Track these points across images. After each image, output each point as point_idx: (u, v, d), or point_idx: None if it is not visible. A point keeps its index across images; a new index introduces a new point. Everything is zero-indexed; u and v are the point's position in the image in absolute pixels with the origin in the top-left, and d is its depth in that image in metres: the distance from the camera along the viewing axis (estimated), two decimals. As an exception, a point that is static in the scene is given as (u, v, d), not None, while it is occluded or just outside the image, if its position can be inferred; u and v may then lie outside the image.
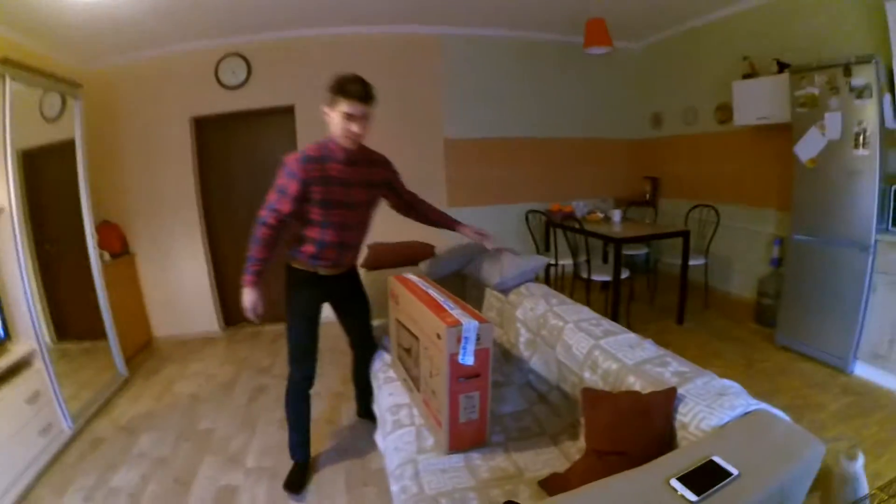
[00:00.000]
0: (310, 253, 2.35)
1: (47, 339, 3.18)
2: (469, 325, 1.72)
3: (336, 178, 2.25)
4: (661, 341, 2.02)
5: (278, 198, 2.19)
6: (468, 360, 1.74)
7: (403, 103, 5.07)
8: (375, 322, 2.93)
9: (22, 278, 3.01)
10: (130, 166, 4.76)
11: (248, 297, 2.33)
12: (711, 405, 1.42)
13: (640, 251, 4.94)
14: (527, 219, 4.96)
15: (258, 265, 2.29)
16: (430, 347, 1.89)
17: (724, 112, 4.68)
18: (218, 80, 4.74)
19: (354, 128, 2.17)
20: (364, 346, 2.82)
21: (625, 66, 5.81)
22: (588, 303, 4.52)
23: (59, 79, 3.49)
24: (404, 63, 5.06)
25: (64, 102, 3.68)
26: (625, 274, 4.04)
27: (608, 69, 5.68)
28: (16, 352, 2.93)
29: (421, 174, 5.11)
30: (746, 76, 4.23)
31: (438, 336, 1.76)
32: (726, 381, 1.56)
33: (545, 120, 5.57)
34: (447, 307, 1.88)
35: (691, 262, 4.25)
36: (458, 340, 1.72)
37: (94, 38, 4.08)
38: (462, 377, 1.76)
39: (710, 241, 4.58)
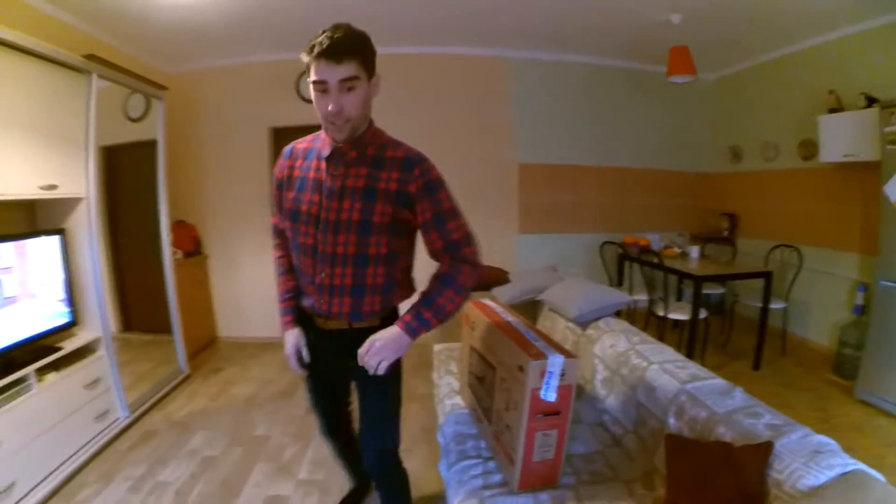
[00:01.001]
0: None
1: (113, 328, 3.24)
2: (555, 359, 1.60)
3: (309, 180, 1.59)
4: None
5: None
6: (550, 396, 1.62)
7: (476, 126, 5.04)
8: (443, 345, 2.83)
9: (93, 267, 3.10)
10: (208, 169, 4.92)
11: (288, 342, 1.76)
12: (808, 463, 1.31)
13: (716, 290, 4.67)
14: (601, 250, 4.78)
15: (285, 301, 1.79)
16: (507, 379, 1.77)
17: (808, 148, 4.41)
18: (298, 93, 4.83)
19: (327, 105, 1.42)
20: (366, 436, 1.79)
21: (701, 97, 5.58)
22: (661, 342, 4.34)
23: (143, 80, 3.61)
24: (476, 85, 5.03)
25: (148, 104, 3.81)
26: (702, 314, 3.81)
27: (684, 99, 5.46)
28: (81, 337, 3.02)
29: (493, 199, 5.10)
30: (832, 111, 3.98)
31: (520, 368, 1.64)
32: (822, 438, 1.42)
33: (619, 148, 5.40)
34: (530, 339, 1.76)
35: (771, 306, 3.97)
36: (542, 375, 1.60)
37: (180, 42, 4.25)
38: (541, 413, 1.64)
39: (791, 284, 4.27)
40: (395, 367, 1.62)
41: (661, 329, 4.12)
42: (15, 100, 2.57)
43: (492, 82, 5.05)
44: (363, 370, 1.47)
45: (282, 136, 4.96)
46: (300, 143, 1.70)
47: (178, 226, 4.60)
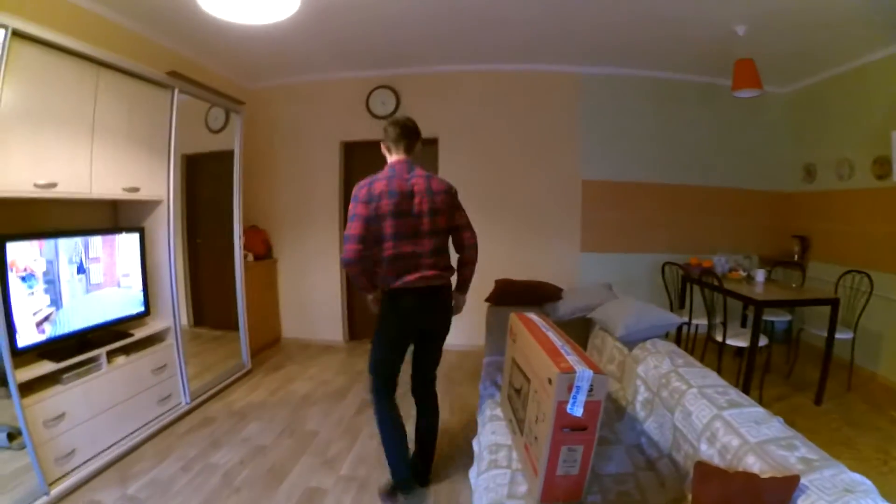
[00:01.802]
0: None
1: (184, 321, 3.51)
2: (583, 373, 1.62)
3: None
4: (791, 422, 1.77)
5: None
6: (577, 410, 1.63)
7: (542, 141, 5.08)
8: (491, 357, 2.90)
9: (170, 263, 3.37)
10: (282, 179, 5.24)
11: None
12: (835, 501, 1.22)
13: (783, 318, 4.44)
14: (662, 271, 4.67)
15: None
16: (539, 391, 1.80)
17: (882, 166, 4.13)
18: (368, 109, 5.07)
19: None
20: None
21: (772, 112, 5.34)
22: (719, 369, 4.13)
23: (223, 95, 3.91)
24: (544, 101, 5.06)
25: (227, 117, 4.10)
26: (763, 341, 3.64)
27: (754, 114, 5.24)
28: (152, 326, 3.31)
29: (555, 215, 5.12)
30: None
31: (549, 381, 1.66)
32: (857, 476, 1.33)
33: (685, 165, 5.26)
34: (563, 352, 1.78)
35: (838, 336, 3.73)
36: (570, 389, 1.61)
37: (259, 60, 4.57)
38: (567, 427, 1.65)
39: (860, 312, 4.01)
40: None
41: (720, 356, 3.97)
42: (104, 110, 2.87)
43: (560, 98, 5.08)
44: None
45: (353, 150, 5.22)
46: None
47: (251, 230, 4.91)
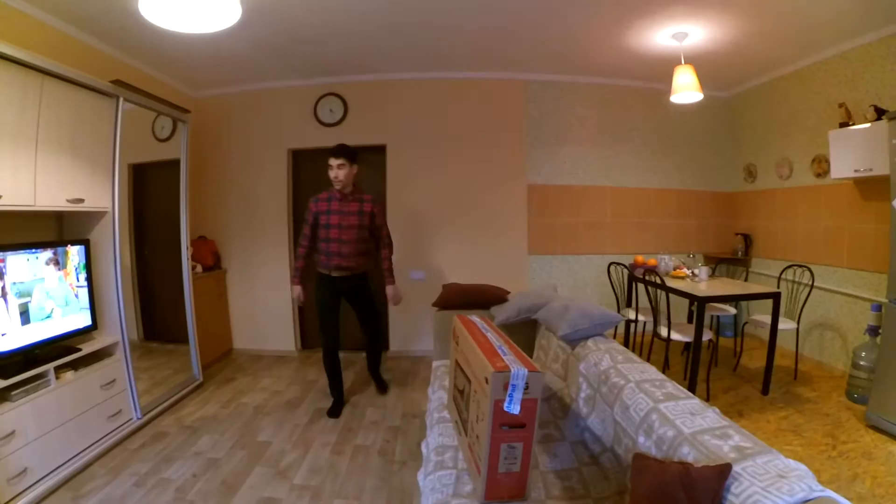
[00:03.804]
0: None
1: (134, 335, 3.44)
2: (518, 371, 1.66)
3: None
4: (739, 412, 1.85)
5: None
6: (514, 408, 1.67)
7: (488, 147, 5.17)
8: (440, 362, 2.99)
9: (115, 275, 3.30)
10: (230, 188, 5.17)
11: (296, 289, 3.71)
12: (768, 488, 1.25)
13: (728, 312, 4.62)
14: (609, 271, 4.79)
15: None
16: (478, 391, 1.84)
17: (820, 164, 4.37)
18: (316, 117, 5.07)
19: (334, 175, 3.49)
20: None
21: (714, 115, 5.58)
22: (666, 365, 4.29)
23: (168, 104, 3.85)
24: (490, 108, 5.16)
25: (174, 125, 4.04)
26: (707, 336, 3.77)
27: (696, 117, 5.47)
28: (100, 341, 3.22)
29: (502, 219, 5.20)
30: (842, 125, 3.93)
31: (486, 380, 1.71)
32: (791, 462, 1.37)
33: (629, 168, 5.43)
34: (500, 352, 1.83)
35: (782, 327, 3.91)
36: (506, 387, 1.66)
37: (205, 68, 4.52)
38: (506, 425, 1.69)
39: (803, 304, 4.21)
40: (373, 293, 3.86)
41: (667, 352, 4.10)
42: (48, 119, 2.81)
43: (507, 105, 5.18)
44: (361, 292, 3.77)
45: (301, 157, 5.18)
46: (321, 196, 3.60)
47: (199, 241, 4.83)
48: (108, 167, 3.27)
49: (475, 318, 2.39)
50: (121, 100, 3.30)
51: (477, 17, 3.72)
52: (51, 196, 2.85)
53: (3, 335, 2.60)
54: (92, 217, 3.28)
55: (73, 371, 2.94)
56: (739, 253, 5.31)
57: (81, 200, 3.07)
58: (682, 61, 4.07)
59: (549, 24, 3.86)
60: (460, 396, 2.19)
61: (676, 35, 3.98)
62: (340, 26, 3.80)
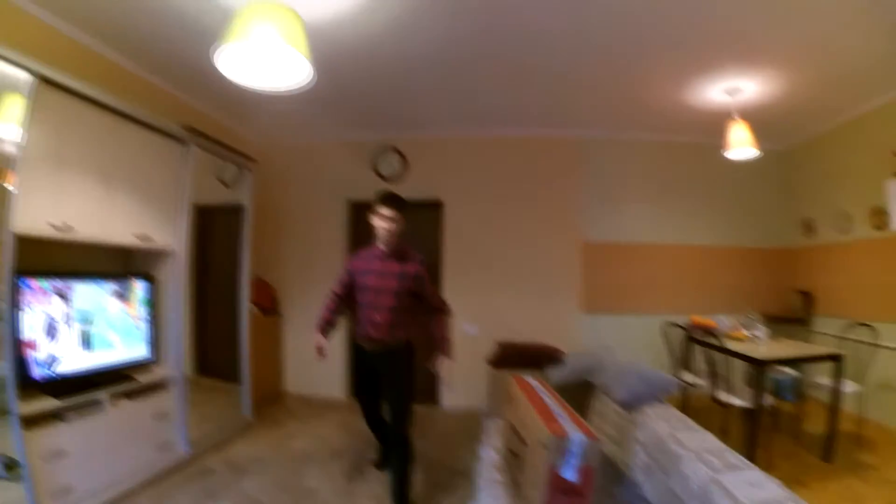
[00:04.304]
0: None
1: (188, 370, 3.55)
2: (575, 437, 1.64)
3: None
4: (800, 481, 1.76)
5: None
6: (571, 474, 1.64)
7: (543, 204, 5.21)
8: (490, 420, 2.97)
9: (176, 313, 3.44)
10: (290, 235, 5.38)
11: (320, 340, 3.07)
12: None
13: (788, 375, 4.40)
14: (665, 332, 4.64)
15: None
16: (534, 455, 1.81)
17: (879, 216, 4.20)
18: (375, 170, 5.26)
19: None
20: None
21: (769, 169, 5.43)
22: (725, 431, 4.09)
23: (235, 152, 4.08)
24: (546, 164, 5.23)
25: (239, 171, 4.24)
26: (768, 400, 3.60)
27: (751, 172, 5.31)
28: (157, 373, 3.34)
29: (557, 276, 5.18)
30: None
31: (543, 445, 1.68)
32: None
33: (685, 225, 5.35)
34: (558, 416, 1.81)
35: (847, 391, 3.70)
36: (563, 453, 1.63)
37: (271, 119, 4.83)
38: (562, 492, 1.66)
39: (867, 365, 3.94)
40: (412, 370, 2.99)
41: (726, 418, 3.91)
42: (122, 158, 3.03)
43: (561, 162, 5.23)
44: (393, 368, 2.94)
45: (359, 209, 5.33)
46: (363, 251, 3.11)
47: (259, 284, 4.99)
48: (175, 207, 3.46)
49: (531, 379, 2.38)
50: (192, 145, 3.50)
51: (534, 78, 3.85)
52: (120, 231, 3.05)
53: (64, 358, 2.75)
54: (158, 254, 3.46)
55: (127, 399, 3.06)
56: (800, 312, 5.10)
57: (149, 238, 3.24)
58: (736, 116, 4.06)
59: (606, 83, 3.96)
60: (514, 459, 2.15)
61: (729, 90, 3.99)
62: (400, 87, 4.02)
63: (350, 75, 3.80)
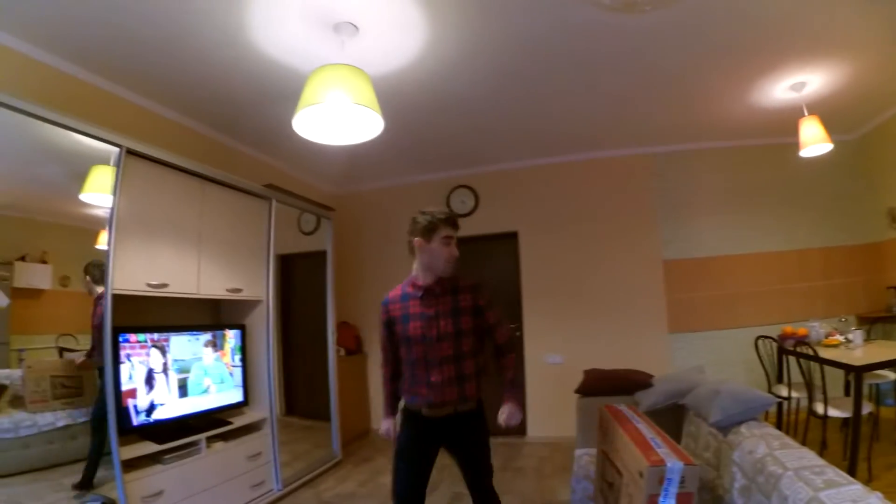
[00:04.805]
0: None
1: (277, 410, 3.73)
2: (673, 465, 1.64)
3: (410, 314, 2.31)
4: None
5: None
6: (669, 503, 1.64)
7: (618, 226, 5.18)
8: (583, 450, 2.92)
9: (267, 357, 3.65)
10: (369, 277, 5.63)
11: (385, 424, 2.45)
12: None
13: (888, 379, 4.14)
14: (756, 345, 4.41)
15: (388, 399, 2.53)
16: (630, 485, 1.81)
17: None
18: (449, 208, 5.44)
19: (453, 252, 2.33)
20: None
21: (844, 161, 5.11)
22: (824, 445, 3.88)
23: (313, 203, 4.34)
24: (616, 185, 5.22)
25: (318, 220, 4.50)
26: (867, 409, 3.41)
27: (826, 167, 4.99)
28: (249, 416, 3.55)
29: (639, 298, 5.10)
30: None
31: (640, 474, 1.69)
32: None
33: (766, 231, 5.13)
34: (653, 444, 1.81)
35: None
36: (661, 481, 1.63)
37: (346, 169, 5.13)
38: (663, 521, 1.66)
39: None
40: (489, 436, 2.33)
41: (824, 430, 3.72)
42: (209, 218, 3.30)
43: (632, 180, 5.21)
44: (469, 439, 2.26)
45: None
46: (393, 293, 2.40)
47: (342, 326, 5.24)
48: (261, 259, 3.71)
49: (623, 407, 2.38)
50: (273, 201, 3.76)
51: (597, 98, 3.91)
52: (211, 285, 3.30)
53: (162, 405, 2.99)
54: (248, 304, 3.70)
55: (223, 441, 3.26)
56: (894, 308, 4.80)
57: (240, 290, 3.47)
58: (805, 112, 3.94)
59: (669, 95, 3.96)
60: (609, 489, 2.15)
61: (795, 86, 3.89)
62: (468, 126, 4.22)
63: (416, 119, 4.00)
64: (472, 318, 2.25)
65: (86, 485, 2.67)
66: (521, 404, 2.30)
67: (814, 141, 3.84)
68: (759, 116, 4.45)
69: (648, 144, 5.06)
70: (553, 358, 5.09)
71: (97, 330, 2.71)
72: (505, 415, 2.24)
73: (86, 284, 2.86)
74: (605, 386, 3.35)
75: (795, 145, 4.05)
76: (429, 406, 2.19)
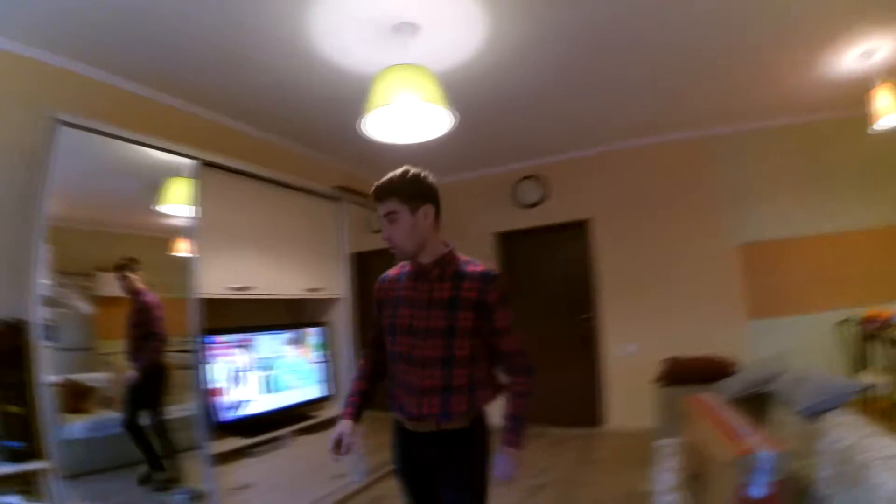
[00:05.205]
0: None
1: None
2: (763, 454, 1.68)
3: (402, 298, 1.80)
4: None
5: None
6: (760, 492, 1.68)
7: (687, 212, 5.08)
8: (663, 441, 2.91)
9: (347, 352, 3.86)
10: None
11: (337, 428, 1.81)
12: None
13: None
14: (837, 330, 4.28)
15: (353, 397, 1.92)
16: (719, 475, 1.86)
17: None
18: (517, 199, 5.50)
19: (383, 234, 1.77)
20: None
21: None
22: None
23: None
24: (683, 170, 5.10)
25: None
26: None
27: None
28: (333, 409, 3.73)
29: (714, 284, 4.96)
30: None
31: (729, 464, 1.74)
32: None
33: (841, 210, 4.82)
34: (741, 433, 1.84)
35: None
36: (750, 471, 1.68)
37: (414, 166, 5.12)
38: (752, 510, 1.70)
39: None
40: (484, 470, 1.75)
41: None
42: (285, 222, 3.50)
43: (696, 164, 5.07)
44: (452, 473, 1.71)
45: (507, 240, 5.63)
46: (393, 271, 1.93)
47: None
48: (336, 258, 3.90)
49: (707, 396, 2.40)
50: (345, 203, 3.94)
51: (659, 79, 3.84)
52: (291, 286, 3.51)
53: (249, 401, 3.19)
54: (328, 303, 3.91)
55: (306, 434, 3.45)
56: None
57: (319, 289, 3.67)
58: (877, 81, 3.70)
59: (733, 72, 3.83)
60: (694, 480, 2.19)
61: (864, 54, 3.63)
62: (530, 114, 4.25)
63: (477, 114, 4.02)
64: (475, 314, 1.67)
65: (148, 479, 2.83)
66: (521, 448, 1.74)
67: (888, 111, 3.63)
68: (829, 89, 4.20)
69: (712, 126, 4.92)
70: (629, 347, 5.05)
71: (136, 328, 2.88)
72: (499, 467, 1.74)
73: (122, 284, 2.86)
74: (686, 375, 3.28)
75: (863, 116, 3.85)
76: (412, 419, 1.71)
